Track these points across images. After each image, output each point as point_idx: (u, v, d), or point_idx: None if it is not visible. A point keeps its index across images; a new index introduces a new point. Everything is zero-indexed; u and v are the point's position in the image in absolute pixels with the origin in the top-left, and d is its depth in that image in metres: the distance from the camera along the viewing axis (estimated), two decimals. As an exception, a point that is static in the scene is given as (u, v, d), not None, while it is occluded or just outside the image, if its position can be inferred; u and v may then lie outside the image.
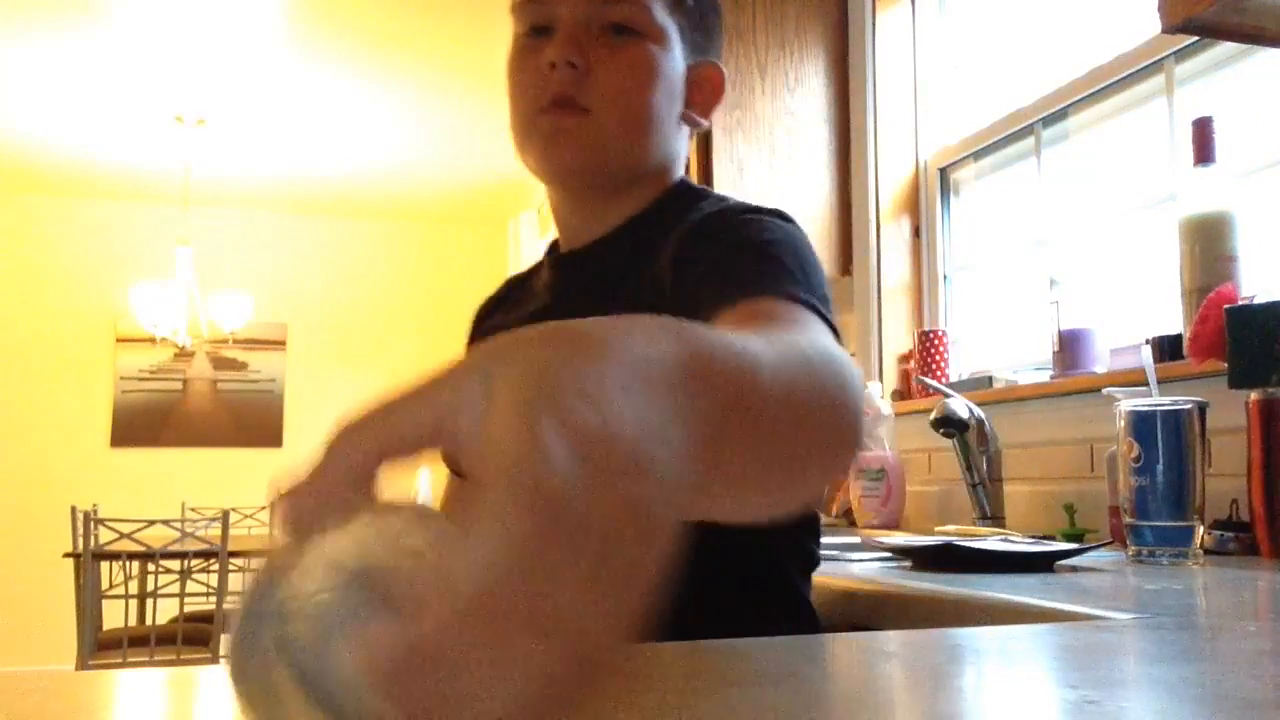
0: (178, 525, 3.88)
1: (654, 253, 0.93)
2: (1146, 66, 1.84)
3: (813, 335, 0.65)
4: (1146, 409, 1.19)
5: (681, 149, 1.03)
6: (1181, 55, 1.76)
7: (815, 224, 2.52)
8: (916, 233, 2.46)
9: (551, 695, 0.26)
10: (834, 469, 0.59)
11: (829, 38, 2.59)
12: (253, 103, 4.47)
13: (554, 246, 1.10)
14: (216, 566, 3.92)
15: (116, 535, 3.73)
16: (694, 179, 2.83)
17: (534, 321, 1.01)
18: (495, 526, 0.25)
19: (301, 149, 5.06)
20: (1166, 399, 1.20)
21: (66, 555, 4.07)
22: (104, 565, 3.93)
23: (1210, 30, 1.25)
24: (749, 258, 0.82)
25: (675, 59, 0.97)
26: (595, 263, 0.99)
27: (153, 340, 5.35)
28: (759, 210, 0.91)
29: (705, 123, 1.02)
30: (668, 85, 0.96)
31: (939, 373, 2.19)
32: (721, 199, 0.99)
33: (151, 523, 3.77)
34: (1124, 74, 1.88)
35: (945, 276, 2.41)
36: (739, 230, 0.87)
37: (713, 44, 1.03)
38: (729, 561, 0.91)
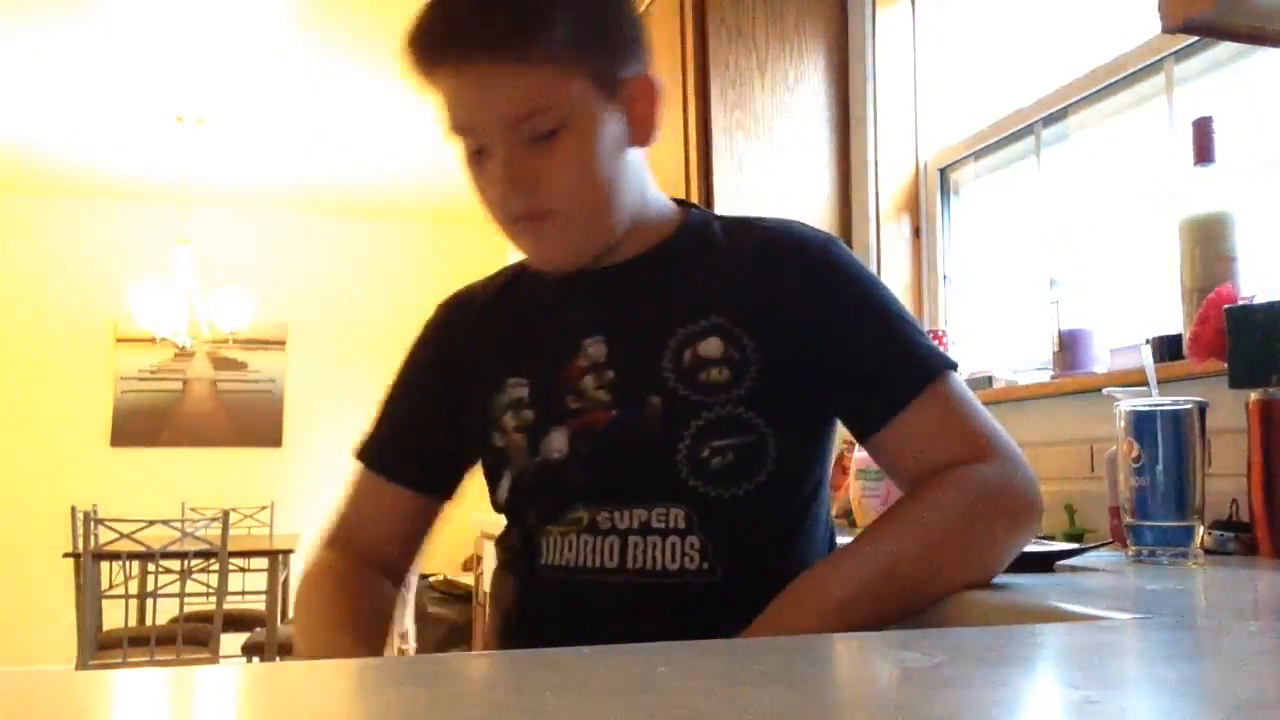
0: (177, 525, 3.88)
1: (714, 273, 1.01)
2: (1146, 66, 1.84)
3: (955, 492, 0.92)
4: (1146, 409, 1.19)
5: (640, 171, 1.04)
6: (1181, 55, 1.76)
7: (815, 224, 2.51)
8: (916, 233, 2.46)
9: None
10: (1005, 552, 0.96)
11: (829, 37, 2.59)
12: (253, 103, 4.47)
13: (525, 272, 1.12)
14: (216, 566, 3.93)
15: (116, 535, 3.73)
16: (694, 179, 2.80)
17: (595, 328, 1.03)
18: None
19: (302, 149, 5.06)
20: (1166, 399, 1.20)
21: (66, 555, 4.07)
22: (104, 565, 3.93)
23: (1210, 30, 1.25)
24: (886, 342, 0.98)
25: (603, 118, 0.97)
26: (636, 278, 1.04)
27: (153, 340, 5.35)
28: (826, 247, 1.03)
29: (652, 140, 1.02)
30: (608, 148, 0.98)
31: (939, 373, 2.19)
32: (753, 223, 1.08)
33: (151, 523, 3.77)
34: (1124, 74, 1.88)
35: (945, 276, 2.41)
36: (853, 298, 1.00)
37: (629, 59, 1.00)
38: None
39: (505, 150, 0.94)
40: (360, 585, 1.08)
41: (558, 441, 0.99)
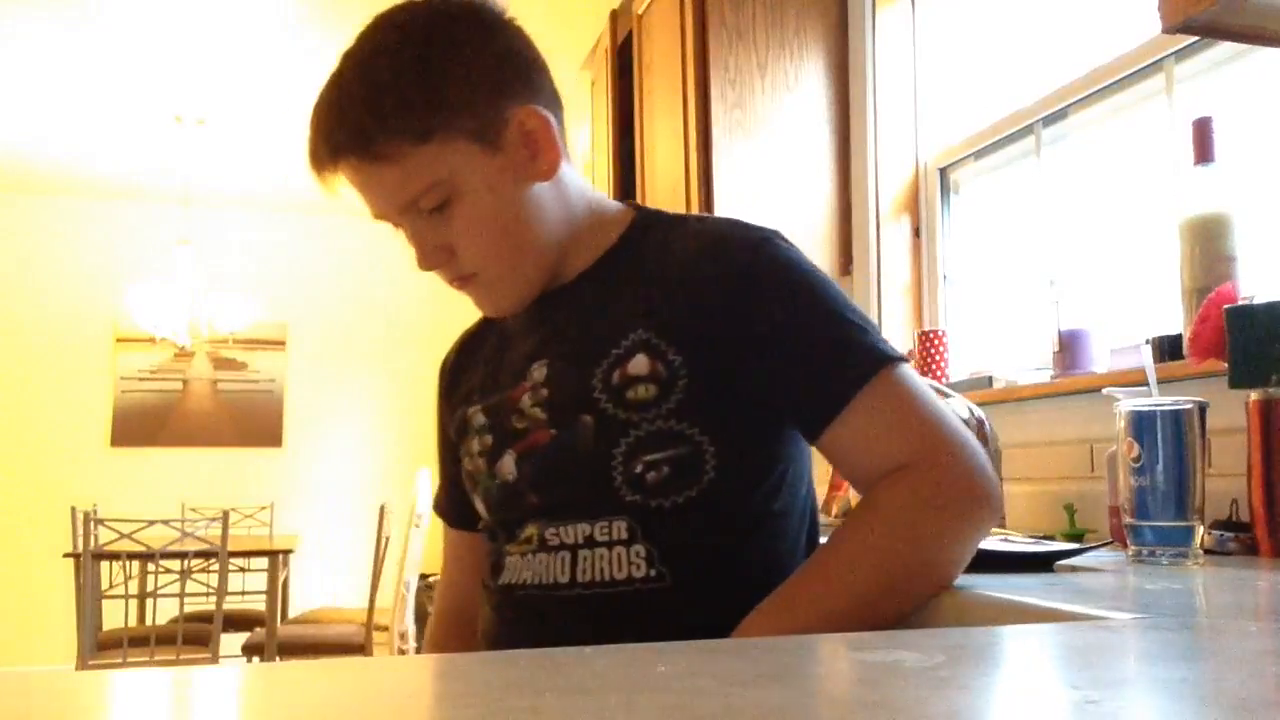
0: (177, 525, 3.88)
1: (641, 286, 1.01)
2: (1146, 66, 1.84)
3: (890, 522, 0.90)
4: (1146, 409, 1.19)
5: (563, 191, 1.04)
6: (1181, 55, 1.76)
7: (815, 224, 2.52)
8: (916, 233, 2.46)
9: None
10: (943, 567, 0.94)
11: (829, 38, 2.59)
12: (253, 103, 4.47)
13: None
14: (216, 566, 3.93)
15: (116, 535, 3.73)
16: (694, 180, 2.80)
17: (539, 352, 1.03)
18: None
19: (301, 149, 5.06)
20: (1166, 399, 1.20)
21: (66, 555, 4.07)
22: (104, 565, 3.93)
23: (1210, 30, 1.25)
24: (821, 339, 0.96)
25: (491, 171, 0.98)
26: (579, 296, 1.05)
27: (153, 340, 5.35)
28: (755, 244, 1.00)
29: (556, 169, 1.02)
30: (506, 197, 0.99)
31: (939, 373, 2.19)
32: (691, 224, 1.07)
33: (151, 523, 3.77)
34: (1124, 74, 1.88)
35: (945, 276, 2.41)
36: (783, 296, 0.97)
37: (506, 100, 0.99)
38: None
39: (411, 229, 1.00)
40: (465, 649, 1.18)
41: (508, 463, 1.03)
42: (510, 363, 1.08)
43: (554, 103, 1.03)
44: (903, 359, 0.96)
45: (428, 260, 1.00)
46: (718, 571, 0.96)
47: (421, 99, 0.94)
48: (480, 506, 1.09)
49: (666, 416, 0.95)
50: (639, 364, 0.96)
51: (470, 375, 1.15)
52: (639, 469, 0.95)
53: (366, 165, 0.95)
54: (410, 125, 0.94)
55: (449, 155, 0.95)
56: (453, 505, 1.21)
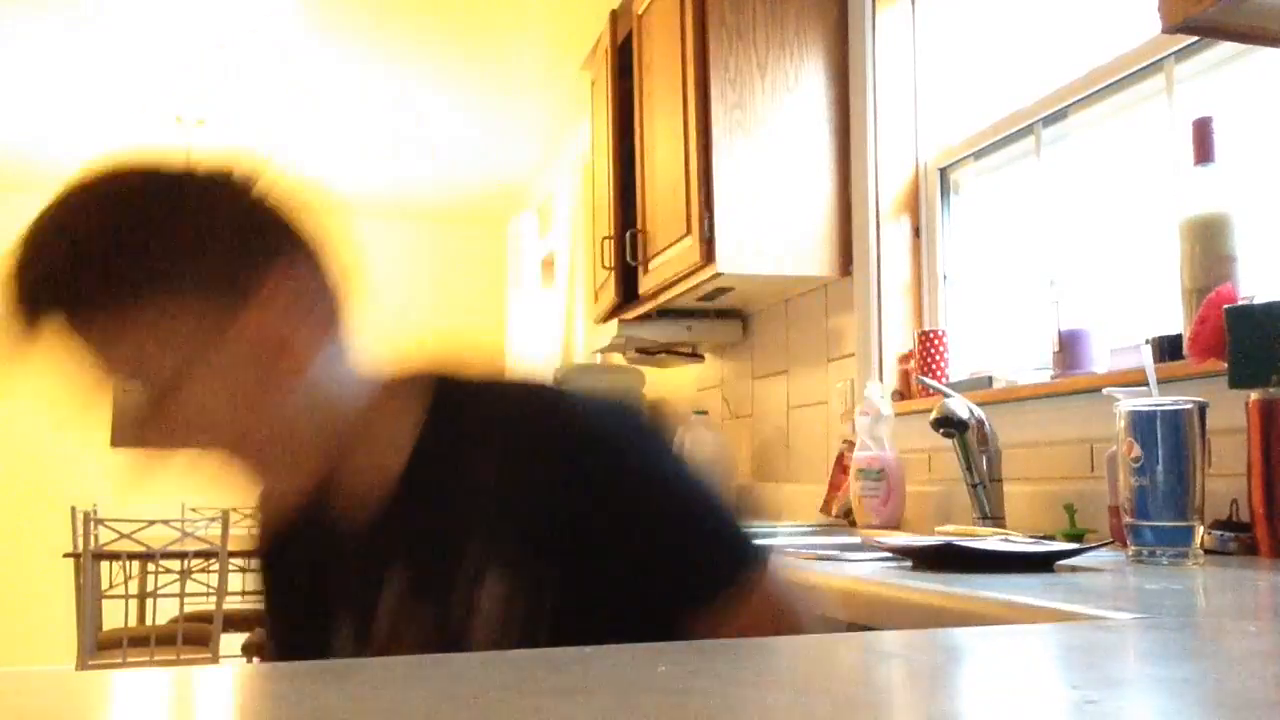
0: (178, 525, 3.88)
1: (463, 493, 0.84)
2: (1146, 66, 1.83)
3: None
4: (1146, 409, 1.19)
5: (324, 381, 0.87)
6: (1181, 55, 1.76)
7: (815, 224, 2.52)
8: (916, 233, 2.46)
9: None
10: None
11: (829, 38, 2.59)
12: (253, 103, 4.47)
13: None
14: (216, 566, 3.92)
15: (116, 535, 3.73)
16: (694, 180, 2.80)
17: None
18: None
19: (301, 149, 5.06)
20: (1166, 399, 1.20)
21: (66, 555, 4.07)
22: (104, 565, 3.92)
23: (1210, 30, 1.25)
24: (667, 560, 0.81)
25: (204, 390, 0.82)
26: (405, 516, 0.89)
27: (153, 340, 5.34)
28: (577, 444, 0.83)
29: (301, 373, 0.85)
30: (234, 397, 0.83)
31: (939, 373, 2.19)
32: (502, 399, 0.89)
33: (151, 523, 3.77)
34: (1124, 74, 1.88)
35: (945, 276, 2.41)
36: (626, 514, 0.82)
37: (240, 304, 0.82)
38: None
39: None
40: None
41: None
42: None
43: None
44: (764, 565, 0.84)
45: None
46: None
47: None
48: None
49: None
50: (493, 592, 0.84)
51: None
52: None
53: None
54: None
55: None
56: None
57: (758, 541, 0.86)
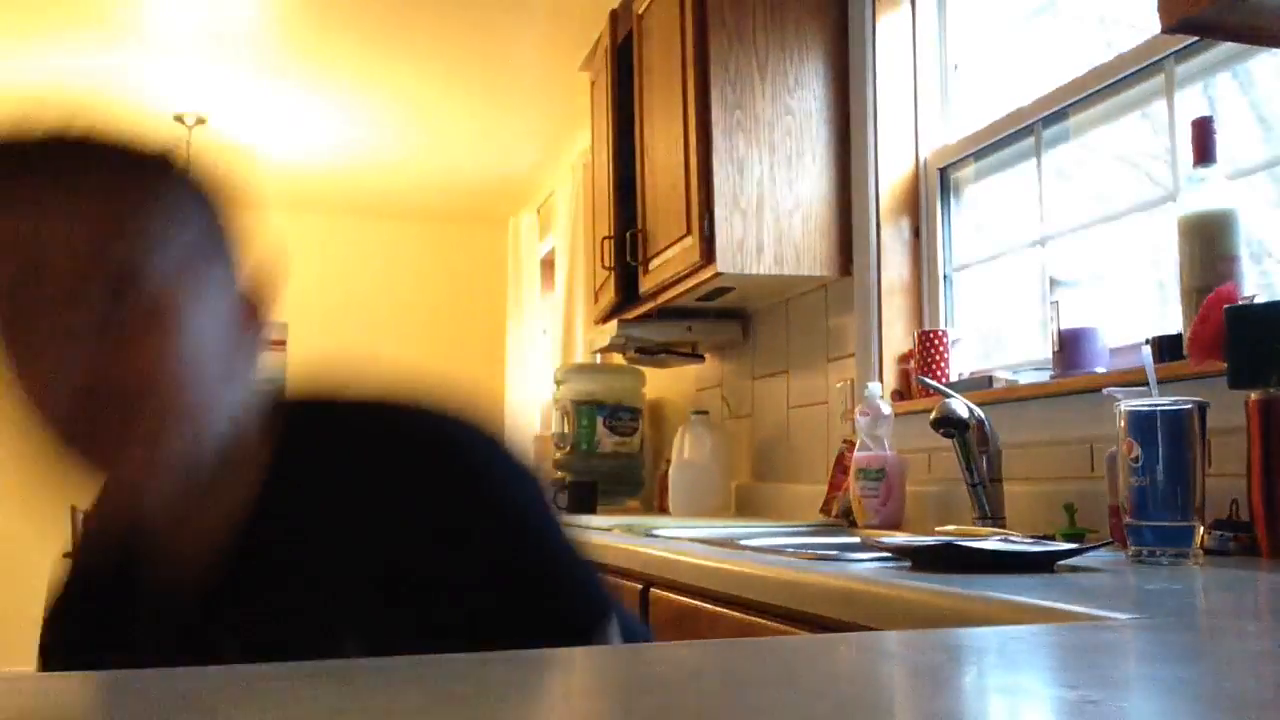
0: (178, 525, 3.87)
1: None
2: (1146, 66, 1.84)
3: None
4: (1146, 409, 1.19)
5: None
6: (1181, 55, 1.76)
7: (815, 224, 2.52)
8: (916, 233, 2.46)
9: None
10: None
11: (829, 38, 2.59)
12: (253, 102, 4.47)
13: None
14: (216, 567, 3.92)
15: (116, 535, 3.73)
16: (694, 180, 2.80)
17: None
18: None
19: (301, 149, 5.06)
20: (1166, 399, 1.20)
21: (66, 555, 4.07)
22: (104, 565, 3.92)
23: (1208, 30, 1.25)
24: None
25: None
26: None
27: (153, 340, 5.34)
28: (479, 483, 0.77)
29: (260, 342, 0.83)
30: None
31: (939, 373, 2.19)
32: (376, 419, 0.82)
33: (151, 523, 3.77)
34: (1124, 74, 1.88)
35: (945, 276, 2.41)
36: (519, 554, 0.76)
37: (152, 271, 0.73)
38: None
39: None
40: None
41: None
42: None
43: None
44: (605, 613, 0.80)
45: None
46: None
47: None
48: None
49: None
50: None
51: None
52: None
53: None
54: None
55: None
56: None
57: (605, 592, 0.81)
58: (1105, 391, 1.37)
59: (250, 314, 0.83)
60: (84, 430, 0.71)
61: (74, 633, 0.90)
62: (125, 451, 0.73)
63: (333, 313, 6.19)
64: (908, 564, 1.27)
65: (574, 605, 0.78)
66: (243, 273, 0.82)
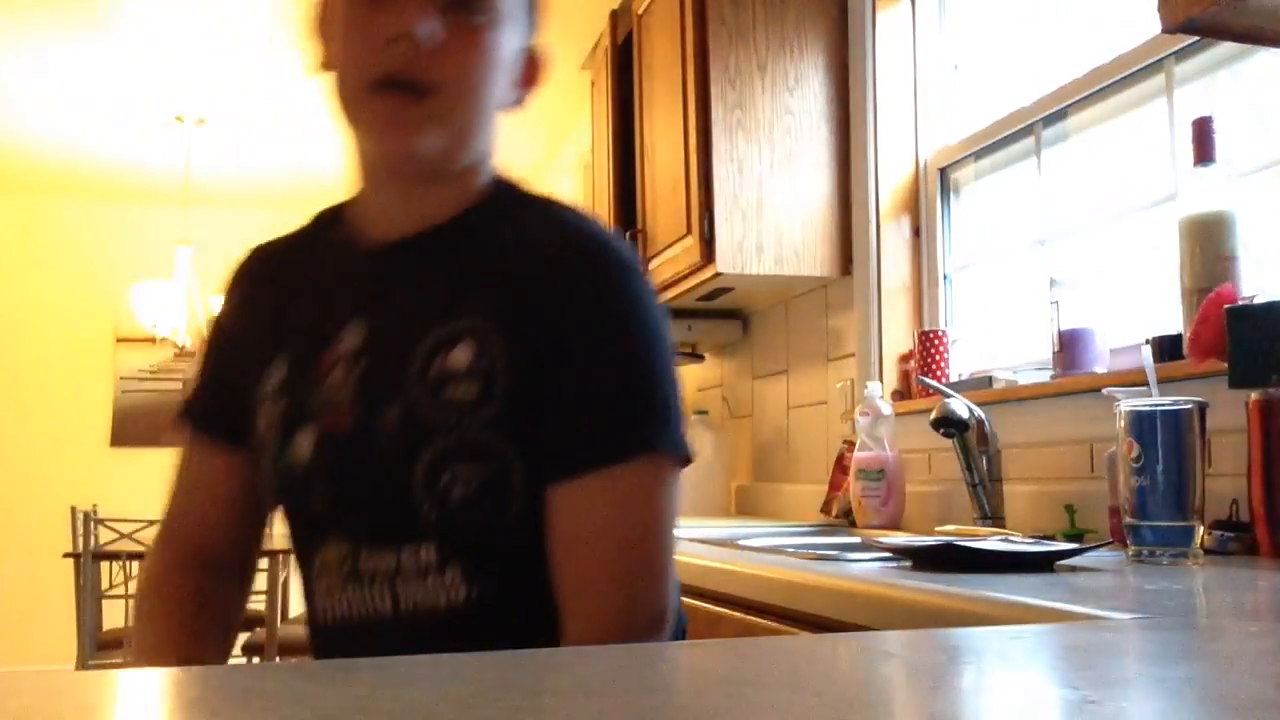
0: (178, 525, 3.87)
1: (486, 267, 0.90)
2: (1146, 66, 1.84)
3: None
4: (1146, 409, 1.19)
5: (497, 131, 0.97)
6: (1181, 55, 1.76)
7: (815, 224, 2.52)
8: (916, 233, 2.46)
9: None
10: None
11: (829, 37, 2.59)
12: (253, 102, 4.47)
13: (337, 222, 1.02)
14: (216, 566, 3.92)
15: (116, 535, 3.73)
16: (694, 180, 2.80)
17: (357, 313, 0.92)
18: None
19: (302, 148, 5.06)
20: (1166, 399, 1.20)
21: (66, 555, 4.07)
22: (104, 565, 3.92)
23: (1210, 30, 1.25)
24: (606, 391, 0.86)
25: (513, 42, 0.93)
26: (420, 262, 0.93)
27: (153, 340, 5.34)
28: (604, 262, 0.90)
29: (523, 104, 0.98)
30: (504, 73, 0.93)
31: (939, 373, 2.19)
32: (552, 212, 0.95)
33: (151, 523, 3.77)
34: (1124, 74, 1.88)
35: (945, 276, 2.41)
36: (601, 327, 0.87)
37: (537, 24, 0.99)
38: None
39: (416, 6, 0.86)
40: (193, 597, 0.99)
41: (303, 444, 0.92)
42: (320, 312, 0.95)
43: None
44: (684, 461, 0.88)
45: (410, 32, 0.84)
46: (537, 588, 0.87)
47: None
48: (262, 482, 0.98)
49: (482, 426, 0.85)
50: (460, 356, 0.86)
51: (278, 299, 1.00)
52: (444, 481, 0.85)
53: None
54: None
55: (511, 8, 0.92)
56: (215, 408, 1.02)
57: (683, 442, 0.88)
58: (1105, 391, 1.37)
59: (529, 69, 0.98)
60: (402, 80, 0.86)
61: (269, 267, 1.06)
62: (418, 107, 0.87)
63: (333, 312, 6.19)
64: (908, 564, 1.27)
65: (616, 423, 0.86)
66: (536, 38, 0.99)
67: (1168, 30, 1.23)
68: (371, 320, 0.92)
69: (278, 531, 5.12)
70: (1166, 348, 1.56)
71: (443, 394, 0.86)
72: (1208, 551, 1.26)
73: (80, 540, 3.90)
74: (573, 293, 0.87)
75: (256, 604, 4.89)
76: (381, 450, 0.87)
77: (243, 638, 4.23)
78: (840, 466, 2.40)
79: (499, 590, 0.88)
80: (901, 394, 2.36)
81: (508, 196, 0.97)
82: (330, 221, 1.04)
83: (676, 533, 0.89)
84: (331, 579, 0.91)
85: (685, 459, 0.88)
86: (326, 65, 0.94)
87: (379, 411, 0.88)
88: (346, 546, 0.90)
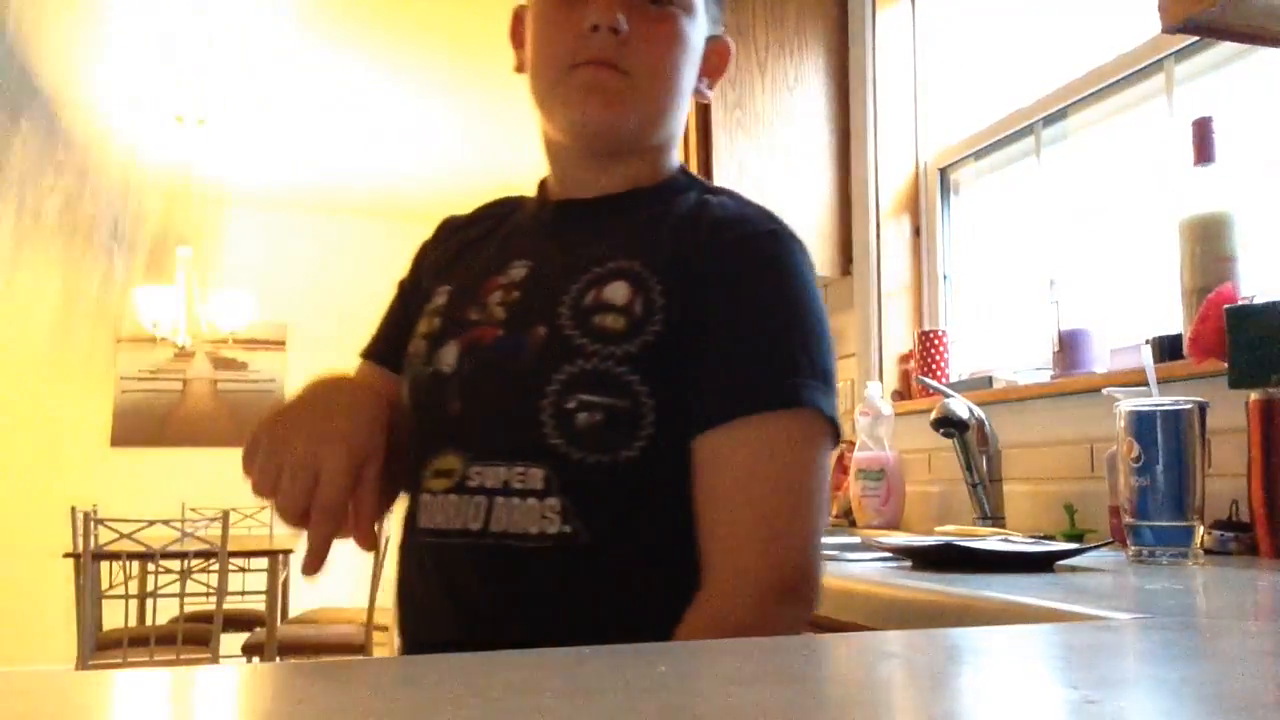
0: (178, 525, 3.88)
1: (658, 226, 0.96)
2: (1146, 66, 1.84)
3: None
4: (1146, 409, 1.19)
5: (683, 120, 1.05)
6: (1181, 55, 1.76)
7: (815, 224, 2.52)
8: (916, 233, 2.46)
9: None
10: None
11: (829, 37, 2.59)
12: (253, 102, 4.47)
13: (544, 186, 1.09)
14: (216, 566, 3.92)
15: (116, 535, 3.73)
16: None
17: (529, 254, 0.98)
18: None
19: (302, 149, 5.06)
20: (1166, 399, 1.20)
21: (66, 555, 4.07)
22: (104, 565, 3.92)
23: (1210, 30, 1.25)
24: (766, 343, 0.88)
25: (701, 32, 1.00)
26: (598, 217, 1.00)
27: (153, 340, 5.34)
28: (776, 235, 0.94)
29: (710, 94, 1.06)
30: (693, 59, 1.00)
31: (939, 373, 2.19)
32: (730, 197, 1.01)
33: (151, 523, 3.77)
34: (1124, 74, 1.88)
35: (945, 276, 2.41)
36: (765, 287, 0.91)
37: (723, 16, 1.07)
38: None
39: None
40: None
41: (449, 354, 0.95)
42: (498, 254, 1.01)
43: None
44: (834, 428, 0.88)
45: (610, 22, 0.92)
46: (634, 536, 0.88)
47: None
48: (406, 394, 1.00)
49: (621, 359, 0.86)
50: (617, 291, 0.90)
51: (464, 248, 1.09)
52: (572, 404, 0.86)
53: None
54: None
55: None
56: (386, 346, 1.11)
57: (836, 412, 0.89)
58: (1105, 391, 1.37)
59: (714, 59, 1.04)
60: (603, 61, 0.94)
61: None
62: (620, 79, 0.94)
63: (333, 312, 6.19)
64: (908, 564, 1.27)
65: (766, 375, 0.87)
66: (719, 29, 1.05)
67: (1168, 30, 1.23)
68: (539, 258, 0.97)
69: (277, 533, 5.08)
70: (1166, 348, 1.56)
71: (590, 321, 0.89)
72: (1208, 551, 1.26)
73: (80, 540, 3.90)
74: (738, 257, 0.91)
75: (256, 604, 4.89)
76: (520, 364, 0.90)
77: (242, 637, 4.23)
78: (840, 466, 2.40)
79: (593, 531, 0.87)
80: (901, 394, 2.36)
81: (686, 179, 1.04)
82: (516, 203, 1.13)
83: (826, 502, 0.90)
84: (438, 487, 0.93)
85: (837, 430, 0.89)
86: (520, 68, 1.06)
87: (527, 329, 0.91)
88: (463, 457, 0.91)
